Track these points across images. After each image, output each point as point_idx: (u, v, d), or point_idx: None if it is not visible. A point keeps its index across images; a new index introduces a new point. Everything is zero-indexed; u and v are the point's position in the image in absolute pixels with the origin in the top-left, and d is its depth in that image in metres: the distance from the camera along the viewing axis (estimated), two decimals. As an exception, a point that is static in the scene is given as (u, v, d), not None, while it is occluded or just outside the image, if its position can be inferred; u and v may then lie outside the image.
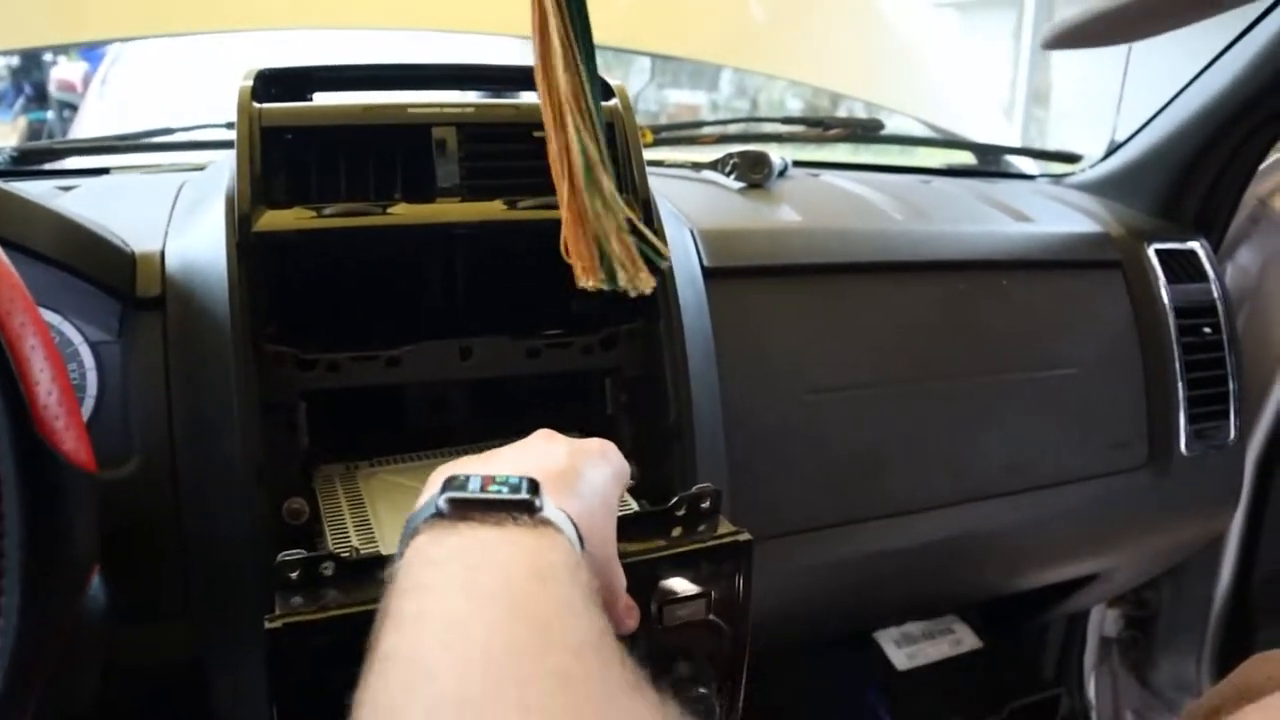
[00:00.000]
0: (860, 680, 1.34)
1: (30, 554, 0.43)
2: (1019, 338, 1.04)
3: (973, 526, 1.01)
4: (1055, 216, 1.16)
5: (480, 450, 0.76)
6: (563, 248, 0.64)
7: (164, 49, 2.12)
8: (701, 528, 0.64)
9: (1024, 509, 1.03)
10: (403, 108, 0.78)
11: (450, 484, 0.46)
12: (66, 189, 0.94)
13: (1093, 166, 1.32)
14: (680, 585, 0.60)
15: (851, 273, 0.95)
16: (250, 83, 0.78)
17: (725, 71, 6.26)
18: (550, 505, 0.47)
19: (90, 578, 0.48)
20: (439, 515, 0.45)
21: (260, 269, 0.73)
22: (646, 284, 0.65)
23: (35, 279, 0.52)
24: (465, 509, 0.45)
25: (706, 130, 1.22)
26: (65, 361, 0.59)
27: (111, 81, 2.25)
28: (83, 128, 2.25)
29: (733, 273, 0.88)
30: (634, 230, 0.64)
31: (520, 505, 0.45)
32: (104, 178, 1.04)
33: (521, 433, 0.83)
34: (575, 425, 0.85)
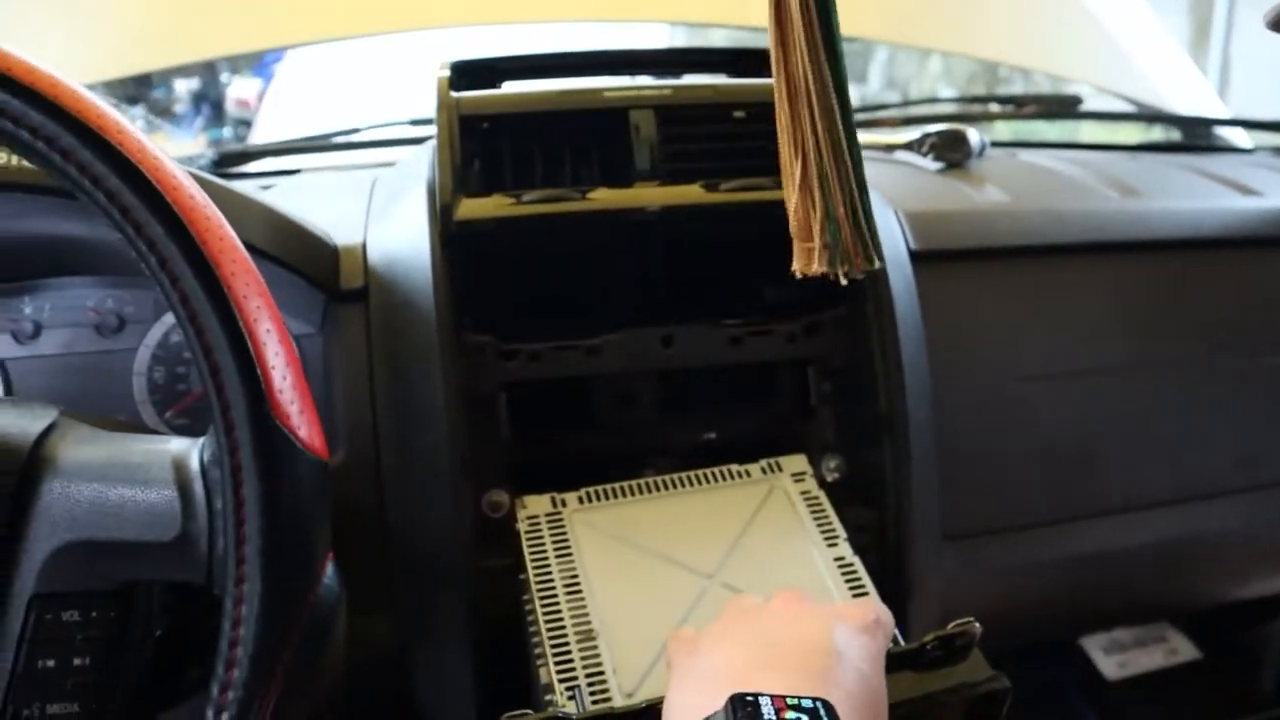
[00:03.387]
0: (1066, 689, 1.25)
1: (270, 541, 0.43)
2: (1251, 321, 0.95)
3: (1199, 527, 0.93)
4: (1285, 190, 1.06)
5: (687, 477, 0.73)
6: (793, 229, 0.60)
7: (329, 61, 2.20)
8: (957, 666, 0.58)
9: (1257, 508, 0.94)
10: (598, 92, 0.76)
11: (740, 706, 0.42)
12: (265, 189, 0.97)
13: (1322, 136, 1.21)
14: None
15: (1065, 254, 0.89)
16: (447, 73, 0.77)
17: (874, 64, 6.11)
18: None
19: (325, 566, 0.47)
20: None
21: (461, 259, 0.72)
22: (858, 269, 0.61)
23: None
24: None
25: (891, 113, 1.17)
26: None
27: (281, 94, 2.34)
28: (258, 140, 2.34)
29: (941, 256, 0.83)
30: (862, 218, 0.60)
31: None
32: (297, 177, 1.06)
33: (715, 430, 0.81)
34: (772, 419, 0.81)
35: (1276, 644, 1.33)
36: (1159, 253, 0.94)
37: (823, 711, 0.42)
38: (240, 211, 0.69)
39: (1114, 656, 1.26)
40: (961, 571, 0.83)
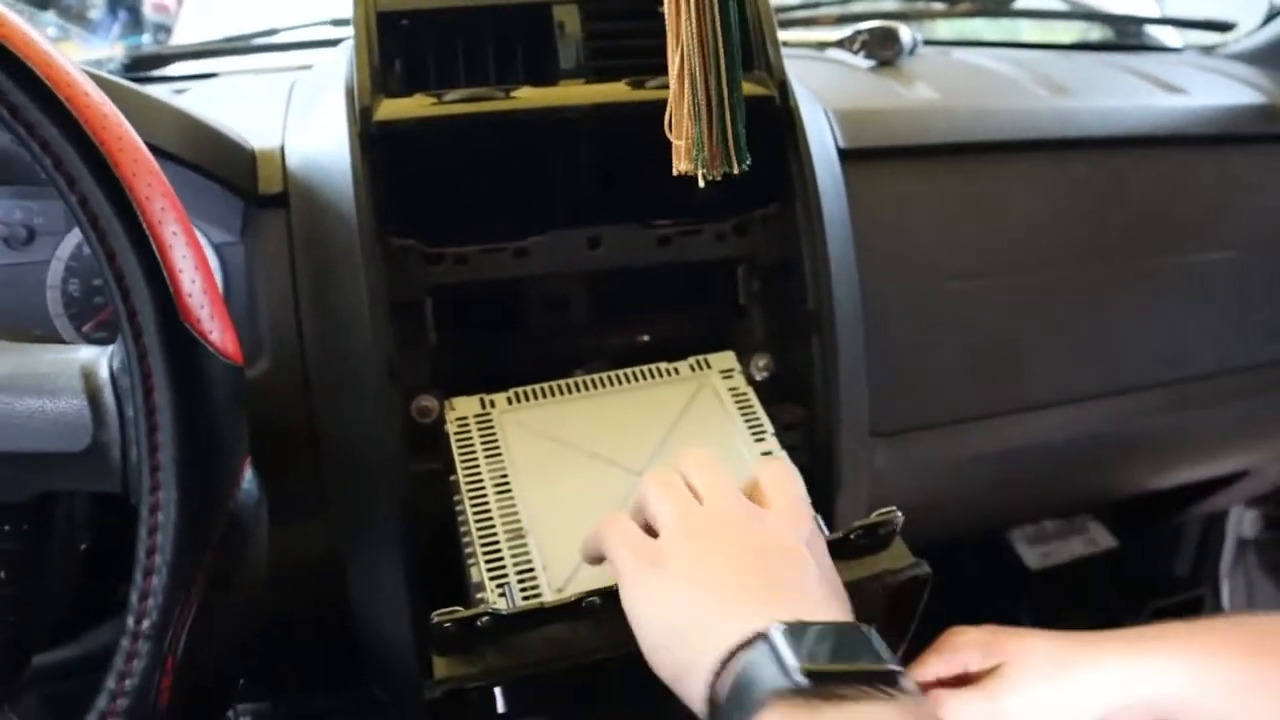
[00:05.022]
0: (991, 579, 1.30)
1: (184, 447, 0.42)
2: (1174, 218, 0.96)
3: (1121, 420, 0.96)
4: (1211, 88, 1.07)
5: (616, 376, 0.73)
6: (667, 126, 0.58)
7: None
8: (880, 554, 0.60)
9: (1175, 401, 0.98)
10: None
11: (795, 639, 0.41)
12: (178, 93, 0.93)
13: (1249, 35, 1.21)
14: None
15: (996, 152, 0.89)
16: (363, -31, 0.74)
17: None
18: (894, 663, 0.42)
19: (243, 470, 0.46)
20: (795, 691, 0.39)
21: (383, 161, 0.70)
22: (715, 172, 0.59)
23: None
24: (827, 683, 0.39)
25: (825, 10, 1.15)
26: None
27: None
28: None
29: (871, 154, 0.83)
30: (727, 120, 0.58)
31: (884, 677, 0.40)
32: (212, 81, 1.02)
33: (647, 333, 0.81)
34: (703, 320, 0.81)
35: (1189, 531, 1.39)
36: (1087, 150, 0.94)
37: (874, 642, 0.43)
38: (151, 115, 0.66)
39: (1037, 547, 1.30)
40: (890, 467, 0.85)
